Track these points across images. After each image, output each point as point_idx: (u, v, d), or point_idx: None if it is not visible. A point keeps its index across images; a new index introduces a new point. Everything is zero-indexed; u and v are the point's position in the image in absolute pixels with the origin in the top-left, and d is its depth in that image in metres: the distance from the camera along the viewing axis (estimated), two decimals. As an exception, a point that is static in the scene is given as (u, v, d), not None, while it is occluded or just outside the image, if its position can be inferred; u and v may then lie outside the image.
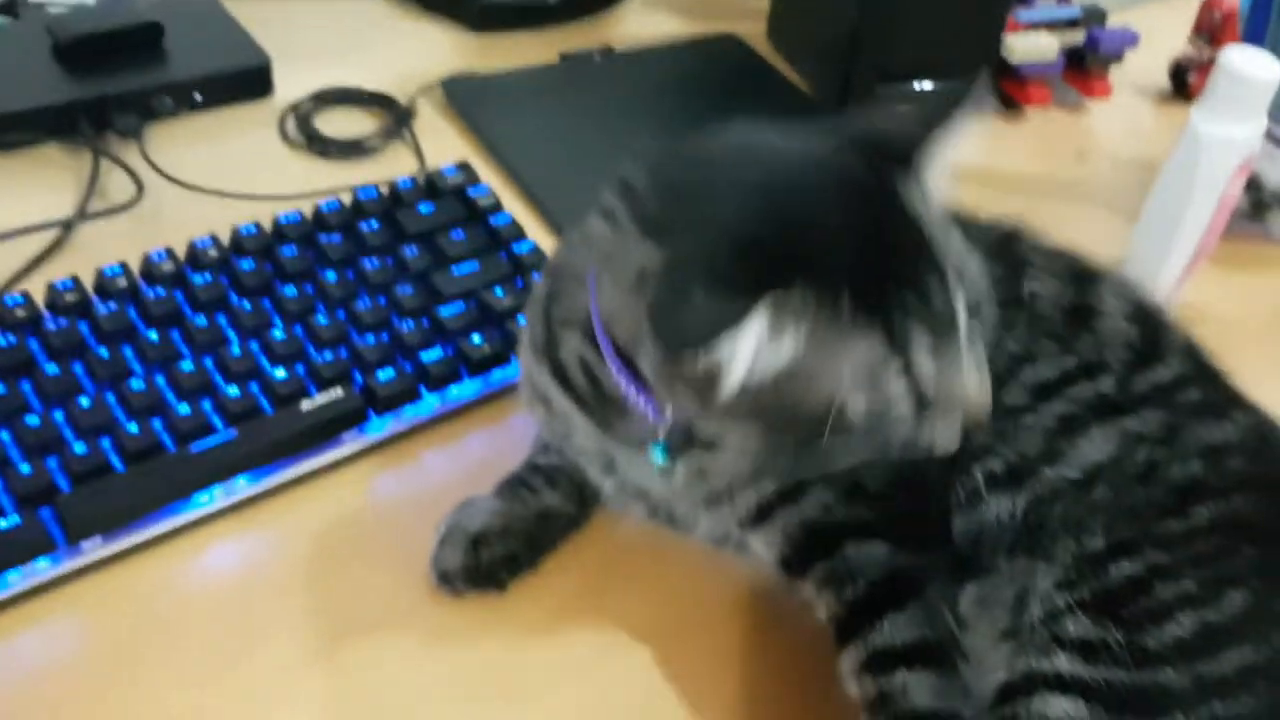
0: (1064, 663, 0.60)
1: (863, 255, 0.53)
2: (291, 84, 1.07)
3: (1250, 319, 1.00)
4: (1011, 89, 1.20)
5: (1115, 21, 1.22)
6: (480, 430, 0.82)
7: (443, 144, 1.05)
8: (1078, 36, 1.20)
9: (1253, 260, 1.06)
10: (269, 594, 0.70)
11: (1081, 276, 0.72)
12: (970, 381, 0.56)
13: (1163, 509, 0.64)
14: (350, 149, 1.01)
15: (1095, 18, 1.22)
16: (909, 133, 0.56)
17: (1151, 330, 0.71)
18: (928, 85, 1.16)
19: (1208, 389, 0.69)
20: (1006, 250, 0.72)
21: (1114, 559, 0.62)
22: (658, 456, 0.64)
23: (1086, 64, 1.20)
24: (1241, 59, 0.86)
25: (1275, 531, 0.64)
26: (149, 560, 0.71)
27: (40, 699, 0.64)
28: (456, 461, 0.80)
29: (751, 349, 0.51)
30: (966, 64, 1.14)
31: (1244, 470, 0.66)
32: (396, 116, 1.05)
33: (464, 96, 1.10)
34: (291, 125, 1.04)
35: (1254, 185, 1.05)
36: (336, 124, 1.05)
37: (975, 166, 1.12)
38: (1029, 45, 1.16)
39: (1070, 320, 0.69)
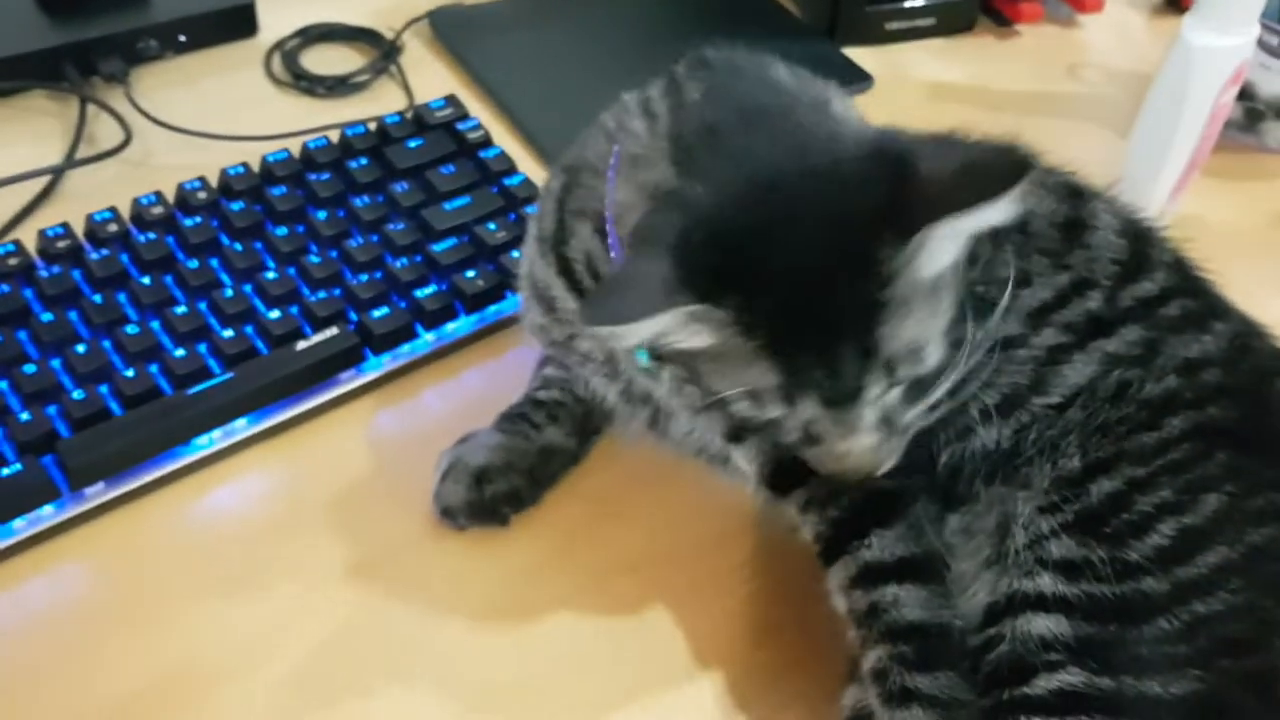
0: (1047, 583, 0.61)
1: (805, 309, 0.53)
2: (277, 22, 1.06)
3: (1245, 229, 1.00)
4: (1003, 6, 1.19)
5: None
6: (478, 366, 0.82)
7: (431, 78, 1.04)
8: (1069, -51, 1.18)
9: (1247, 170, 1.05)
10: (272, 533, 0.71)
11: (1076, 193, 0.71)
12: (860, 446, 0.56)
13: (1135, 424, 0.64)
14: (337, 86, 1.01)
15: (1088, -71, 1.20)
16: (942, 195, 0.52)
17: (1141, 245, 0.70)
18: (919, 1, 1.15)
19: (1190, 301, 0.69)
20: None
21: (1092, 478, 0.63)
22: (642, 356, 0.65)
23: (1076, -23, 1.19)
24: (1233, -32, 0.85)
25: (1247, 435, 0.64)
26: (153, 503, 0.72)
27: (49, 643, 0.65)
28: (455, 397, 0.80)
29: (649, 334, 0.53)
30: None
31: (1219, 381, 0.66)
32: (383, 51, 1.04)
33: (451, 29, 1.09)
34: (277, 64, 1.03)
35: (1247, 95, 1.04)
36: (323, 61, 1.04)
37: (968, 85, 1.12)
38: (1019, -41, 1.15)
39: (1064, 235, 0.69)
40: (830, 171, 0.55)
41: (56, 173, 0.89)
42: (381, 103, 1.00)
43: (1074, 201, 0.70)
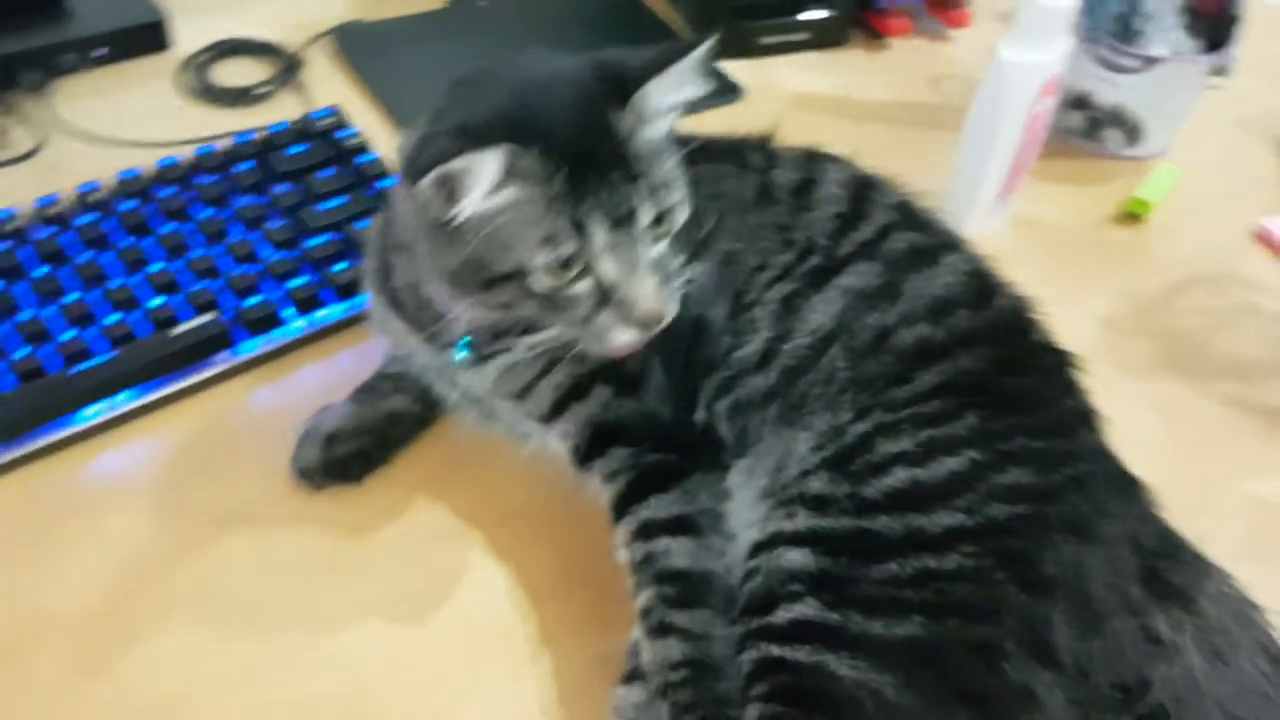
0: (801, 520, 0.69)
1: (582, 159, 0.64)
2: (192, 37, 1.16)
3: (1078, 228, 1.08)
4: (874, 20, 1.28)
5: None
6: (350, 347, 0.91)
7: (332, 90, 1.13)
8: (936, -32, 1.28)
9: (1087, 175, 1.14)
10: (153, 495, 0.80)
11: (812, 161, 0.82)
12: (645, 287, 0.66)
13: (892, 377, 0.72)
14: (241, 97, 1.10)
15: (957, -50, 1.29)
16: (636, 70, 0.66)
17: (862, 194, 0.80)
18: (813, 15, 1.23)
19: (914, 234, 0.78)
20: (766, 153, 0.83)
21: (853, 424, 0.71)
22: (461, 352, 0.74)
23: (944, -5, 1.28)
24: (1041, -9, 0.94)
25: (1000, 390, 0.72)
26: (45, 467, 0.81)
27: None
28: (329, 375, 0.89)
29: (486, 180, 0.62)
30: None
31: (970, 326, 0.74)
32: (286, 65, 1.13)
33: (354, 44, 1.18)
34: (188, 77, 1.12)
35: (1086, 104, 1.13)
36: (233, 74, 1.13)
37: (833, 96, 1.21)
38: (885, -21, 1.24)
39: (794, 199, 0.79)
40: (568, 77, 0.67)
41: (-23, 174, 0.99)
42: (284, 113, 1.09)
43: (808, 166, 0.81)
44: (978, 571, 0.66)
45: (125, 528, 0.78)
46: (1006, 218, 1.08)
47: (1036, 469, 0.69)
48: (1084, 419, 0.75)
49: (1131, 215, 1.09)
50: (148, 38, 1.14)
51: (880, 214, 0.79)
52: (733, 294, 0.76)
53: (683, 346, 0.76)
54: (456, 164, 0.61)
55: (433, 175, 0.61)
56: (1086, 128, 1.15)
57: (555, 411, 0.76)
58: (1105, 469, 0.73)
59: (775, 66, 1.24)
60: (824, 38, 1.26)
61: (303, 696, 0.71)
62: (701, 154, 0.80)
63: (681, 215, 0.69)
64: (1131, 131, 1.14)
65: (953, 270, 0.77)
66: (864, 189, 0.81)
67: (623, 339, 0.67)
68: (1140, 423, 0.79)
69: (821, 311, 0.75)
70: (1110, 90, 1.12)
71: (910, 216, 0.80)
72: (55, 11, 1.11)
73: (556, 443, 0.78)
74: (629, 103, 0.66)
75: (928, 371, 0.73)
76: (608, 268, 0.66)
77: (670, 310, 0.67)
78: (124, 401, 0.83)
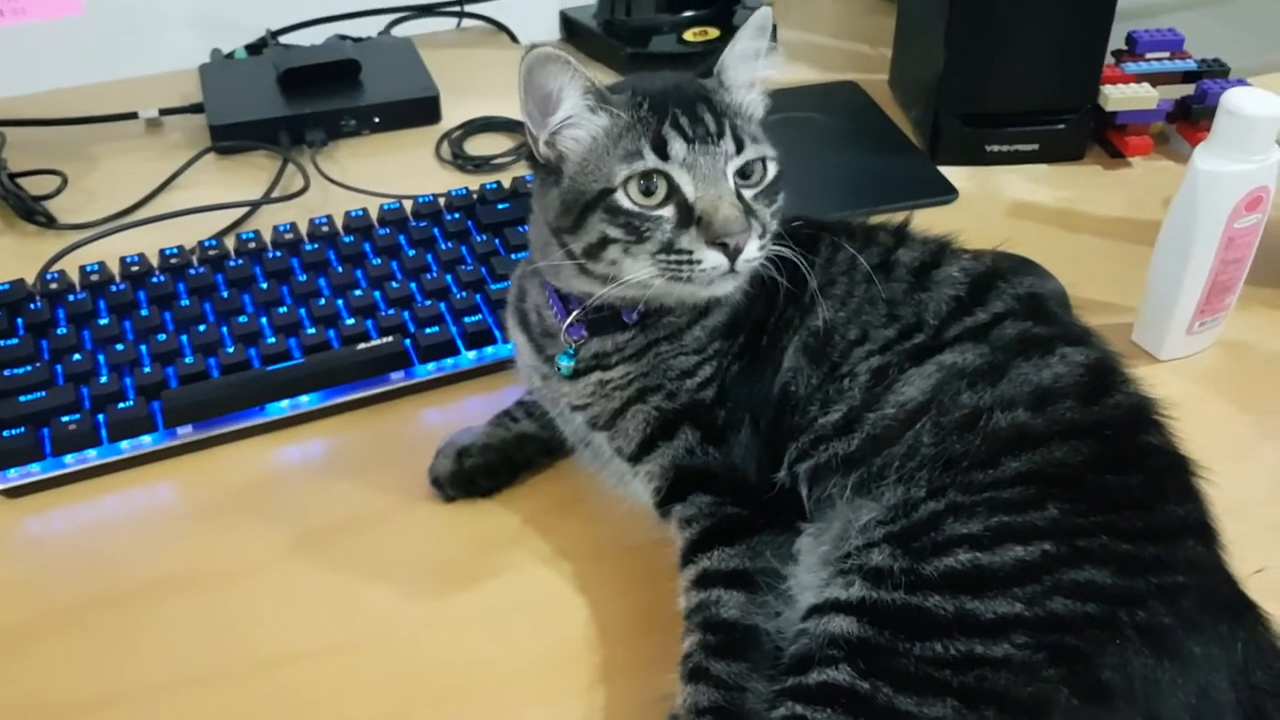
0: (855, 589, 0.68)
1: (665, 93, 0.76)
2: (460, 114, 1.31)
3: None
4: (1113, 137, 1.24)
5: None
6: (513, 385, 0.98)
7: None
8: (1188, 89, 1.23)
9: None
10: (316, 483, 0.91)
11: (943, 249, 0.82)
12: (724, 201, 0.72)
13: (976, 460, 0.70)
14: (482, 165, 1.23)
15: (1217, 73, 1.25)
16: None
17: (985, 282, 0.78)
18: (1043, 128, 1.23)
19: (1032, 325, 0.76)
20: (898, 233, 0.84)
21: (925, 502, 0.70)
22: (565, 361, 0.81)
23: (1193, 115, 1.23)
24: (1241, 99, 0.90)
25: (1091, 486, 0.68)
26: (231, 449, 0.93)
27: (135, 544, 0.86)
28: (491, 406, 0.96)
29: (575, 92, 0.73)
30: (1058, 113, 1.22)
31: (1074, 417, 0.71)
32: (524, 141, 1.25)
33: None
34: (445, 146, 1.27)
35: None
36: (483, 146, 1.27)
37: (1052, 207, 1.19)
38: (1124, 95, 1.21)
39: (913, 278, 0.79)
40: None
41: (255, 205, 1.17)
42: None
43: (937, 252, 0.81)
44: (1026, 665, 0.63)
45: (289, 505, 0.89)
46: (1211, 341, 1.02)
47: (1116, 571, 0.65)
48: (1194, 530, 0.69)
49: (1365, 352, 1.00)
50: (423, 111, 1.30)
51: (1000, 303, 0.78)
52: (828, 364, 0.77)
53: (771, 406, 0.78)
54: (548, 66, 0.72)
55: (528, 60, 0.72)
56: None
57: (642, 450, 0.80)
58: (1207, 585, 0.67)
59: (1001, 174, 1.23)
60: (1055, 151, 1.24)
61: (386, 665, 0.78)
62: (831, 227, 0.83)
63: (771, 172, 0.76)
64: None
65: (1068, 362, 0.74)
66: (992, 278, 0.79)
67: (709, 262, 0.72)
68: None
69: (915, 386, 0.74)
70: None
71: (1035, 310, 0.78)
72: (351, 83, 1.29)
73: (642, 486, 0.81)
74: (713, 77, 0.77)
75: (1016, 459, 0.70)
76: (686, 182, 0.73)
77: (752, 239, 0.72)
78: (308, 403, 0.94)
